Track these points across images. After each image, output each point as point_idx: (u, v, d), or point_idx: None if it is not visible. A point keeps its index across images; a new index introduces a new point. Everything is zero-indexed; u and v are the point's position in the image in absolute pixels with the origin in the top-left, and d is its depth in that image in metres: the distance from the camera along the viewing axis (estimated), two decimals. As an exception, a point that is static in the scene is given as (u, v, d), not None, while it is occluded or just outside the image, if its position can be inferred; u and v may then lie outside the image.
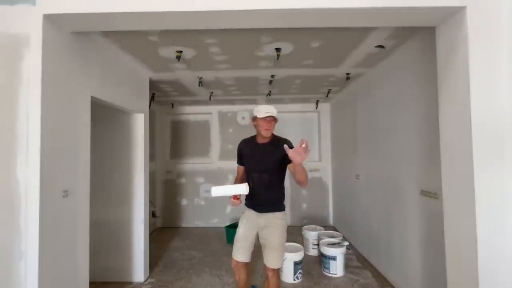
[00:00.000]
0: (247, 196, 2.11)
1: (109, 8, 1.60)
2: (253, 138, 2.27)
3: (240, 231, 2.22)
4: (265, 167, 2.14)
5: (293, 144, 2.12)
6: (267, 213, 2.15)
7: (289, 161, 1.99)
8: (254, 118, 2.13)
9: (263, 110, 2.07)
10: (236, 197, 2.03)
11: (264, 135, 2.11)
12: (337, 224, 5.03)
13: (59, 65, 1.81)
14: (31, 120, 1.62)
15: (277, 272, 2.17)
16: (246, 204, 2.25)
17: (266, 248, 2.14)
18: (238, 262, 2.20)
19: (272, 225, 2.14)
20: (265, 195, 2.13)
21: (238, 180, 2.32)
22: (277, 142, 2.14)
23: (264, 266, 2.16)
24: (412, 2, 1.57)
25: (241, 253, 2.18)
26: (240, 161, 2.31)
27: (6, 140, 1.63)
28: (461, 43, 1.61)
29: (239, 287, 2.29)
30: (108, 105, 2.55)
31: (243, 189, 1.97)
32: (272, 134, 2.19)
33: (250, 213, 2.21)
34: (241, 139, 2.36)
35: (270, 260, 2.12)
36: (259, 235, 2.20)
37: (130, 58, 2.81)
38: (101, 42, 2.37)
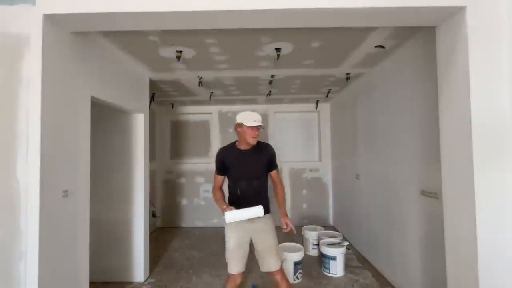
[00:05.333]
0: (234, 204, 2.05)
1: (109, 8, 1.60)
2: (233, 145, 2.19)
3: (232, 242, 2.10)
4: (255, 174, 2.13)
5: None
6: (261, 217, 2.06)
7: (272, 168, 2.20)
8: (240, 125, 2.06)
9: (251, 118, 2.03)
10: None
11: (251, 142, 2.07)
12: (337, 224, 5.03)
13: (59, 65, 1.81)
14: (31, 120, 1.62)
15: (284, 272, 2.14)
16: None
17: (266, 252, 2.10)
18: (235, 275, 2.10)
19: (266, 227, 2.14)
20: (256, 200, 2.04)
21: (218, 190, 2.18)
22: (260, 147, 2.18)
23: (268, 273, 2.11)
24: (412, 2, 1.57)
25: (236, 264, 2.10)
26: (221, 170, 2.16)
27: (6, 140, 1.63)
28: (461, 43, 1.61)
29: None
30: (108, 105, 2.55)
31: (259, 212, 1.93)
32: None
33: (241, 222, 2.05)
34: (234, 139, 2.26)
35: (274, 262, 2.09)
36: (253, 242, 2.14)
37: (130, 58, 2.81)
38: (101, 42, 2.37)
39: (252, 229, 2.11)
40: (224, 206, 1.99)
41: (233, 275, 2.11)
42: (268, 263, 2.10)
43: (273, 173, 2.20)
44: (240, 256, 2.11)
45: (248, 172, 2.12)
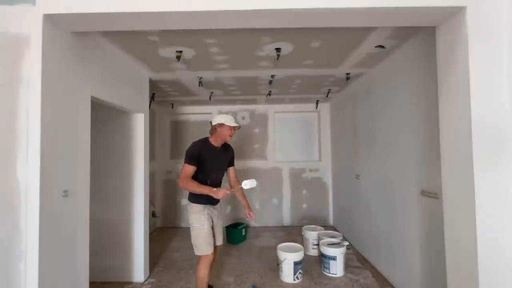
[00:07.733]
0: (202, 194, 2.28)
1: (109, 8, 1.60)
2: (206, 141, 2.46)
3: (206, 228, 2.38)
4: (222, 168, 2.56)
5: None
6: (218, 204, 2.56)
7: (231, 164, 2.65)
8: (221, 125, 2.37)
9: (231, 119, 2.39)
10: (230, 190, 2.30)
11: (228, 140, 2.46)
12: (337, 224, 5.03)
13: (59, 65, 1.81)
14: (31, 120, 1.62)
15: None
16: (201, 202, 2.40)
17: (218, 231, 2.54)
18: (209, 255, 2.38)
19: (218, 212, 2.57)
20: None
21: (191, 179, 2.30)
22: (226, 147, 2.58)
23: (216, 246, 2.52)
24: (412, 2, 1.57)
25: (211, 245, 2.40)
26: (196, 162, 2.31)
27: (6, 140, 1.63)
28: (461, 43, 1.61)
29: (206, 281, 2.42)
30: (108, 105, 2.55)
31: (255, 182, 2.36)
32: None
33: (209, 209, 2.44)
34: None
35: (221, 239, 2.59)
36: (213, 223, 2.49)
37: (130, 58, 2.81)
38: (101, 42, 2.37)
39: (213, 213, 2.50)
40: (215, 189, 2.22)
41: (209, 255, 2.38)
42: (218, 240, 2.54)
43: (233, 168, 2.67)
44: (211, 237, 2.43)
45: (218, 166, 2.51)
